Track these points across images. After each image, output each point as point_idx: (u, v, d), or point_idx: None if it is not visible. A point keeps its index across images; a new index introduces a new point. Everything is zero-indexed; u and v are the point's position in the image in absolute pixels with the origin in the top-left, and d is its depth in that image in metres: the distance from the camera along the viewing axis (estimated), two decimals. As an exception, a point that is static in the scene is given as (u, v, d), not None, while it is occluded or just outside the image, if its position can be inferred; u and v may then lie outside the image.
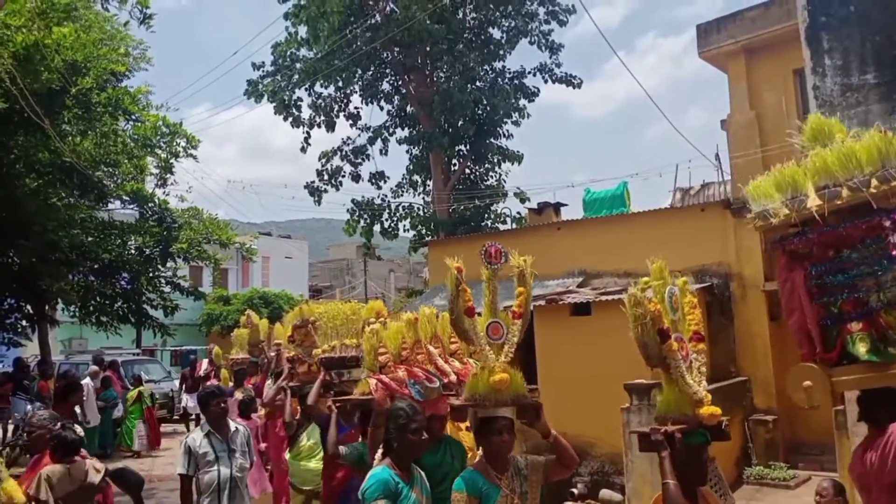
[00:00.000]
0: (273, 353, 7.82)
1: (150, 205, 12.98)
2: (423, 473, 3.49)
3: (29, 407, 12.78)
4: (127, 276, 12.81)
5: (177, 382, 18.60)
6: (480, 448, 3.35)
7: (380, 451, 3.62)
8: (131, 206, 13.26)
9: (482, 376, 3.26)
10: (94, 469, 4.61)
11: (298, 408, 6.02)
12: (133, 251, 12.84)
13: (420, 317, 4.60)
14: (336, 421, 4.81)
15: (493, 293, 3.45)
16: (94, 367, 13.78)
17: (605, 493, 9.18)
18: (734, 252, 10.62)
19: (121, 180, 12.49)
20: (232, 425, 5.09)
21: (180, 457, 4.90)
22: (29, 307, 12.78)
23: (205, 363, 13.10)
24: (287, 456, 6.00)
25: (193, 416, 14.62)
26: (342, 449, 4.60)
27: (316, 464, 5.79)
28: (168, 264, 13.24)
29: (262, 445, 7.36)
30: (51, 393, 12.11)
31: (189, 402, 14.99)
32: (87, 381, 12.70)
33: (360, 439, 4.77)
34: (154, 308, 13.31)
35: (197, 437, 4.95)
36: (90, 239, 12.11)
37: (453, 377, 4.33)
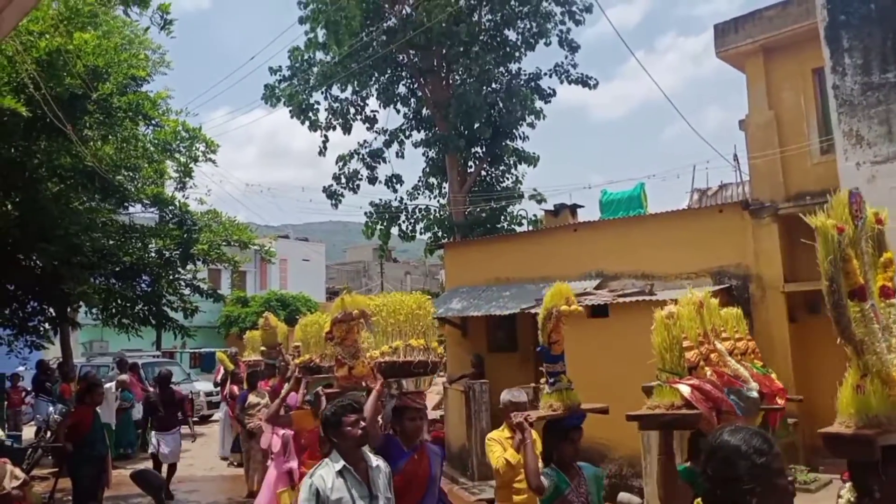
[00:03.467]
0: (290, 356, 7.64)
1: (170, 208, 13.12)
2: None
3: (51, 409, 12.99)
4: (147, 278, 12.94)
5: (197, 385, 18.72)
6: (871, 490, 2.35)
7: None
8: (151, 210, 13.40)
9: (873, 388, 2.29)
10: (14, 476, 4.37)
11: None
12: (153, 254, 12.97)
13: (704, 301, 3.49)
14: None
15: (863, 266, 2.46)
16: (124, 378, 13.71)
17: (623, 496, 9.12)
18: (753, 253, 10.53)
19: (141, 184, 12.62)
20: (371, 459, 3.67)
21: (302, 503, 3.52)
22: (51, 310, 12.95)
23: (221, 369, 13.19)
24: None
25: (167, 465, 10.25)
26: (545, 480, 3.74)
27: None
28: (188, 267, 13.36)
29: (291, 465, 6.66)
30: (72, 395, 12.28)
31: (163, 446, 10.18)
32: (111, 384, 12.81)
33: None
34: (174, 310, 13.44)
35: (327, 476, 3.47)
36: (111, 242, 12.25)
37: (753, 385, 3.37)
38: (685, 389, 2.98)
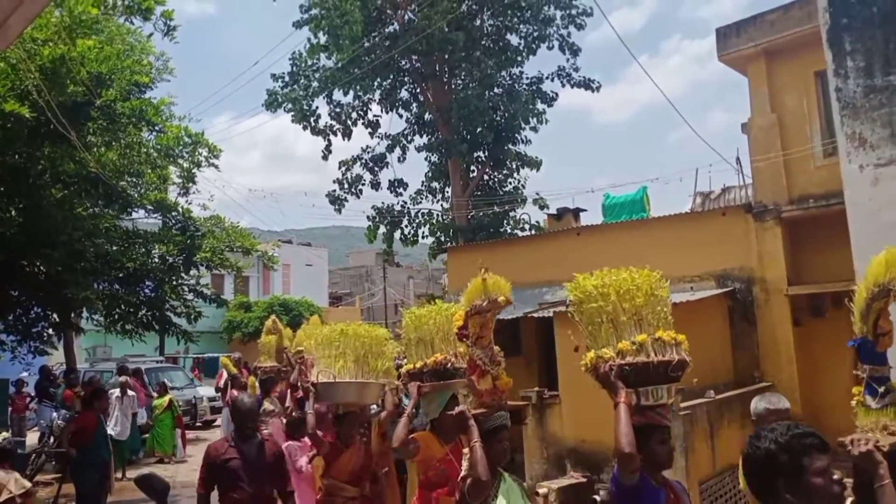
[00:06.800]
0: (296, 362, 7.30)
1: (173, 214, 13.14)
2: None
3: (54, 414, 12.99)
4: (151, 284, 12.95)
5: (200, 390, 18.80)
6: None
7: None
8: (155, 216, 13.43)
9: None
10: (15, 482, 4.36)
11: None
12: (157, 260, 12.98)
13: None
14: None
15: None
16: (123, 379, 13.53)
17: None
18: (756, 256, 10.53)
19: (144, 190, 12.64)
20: None
21: None
22: (55, 316, 12.96)
23: (224, 373, 13.17)
24: None
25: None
26: None
27: None
28: (191, 272, 13.37)
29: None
30: (74, 401, 12.28)
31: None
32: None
33: None
34: (177, 315, 13.44)
35: None
36: (115, 248, 12.26)
37: None
38: None
